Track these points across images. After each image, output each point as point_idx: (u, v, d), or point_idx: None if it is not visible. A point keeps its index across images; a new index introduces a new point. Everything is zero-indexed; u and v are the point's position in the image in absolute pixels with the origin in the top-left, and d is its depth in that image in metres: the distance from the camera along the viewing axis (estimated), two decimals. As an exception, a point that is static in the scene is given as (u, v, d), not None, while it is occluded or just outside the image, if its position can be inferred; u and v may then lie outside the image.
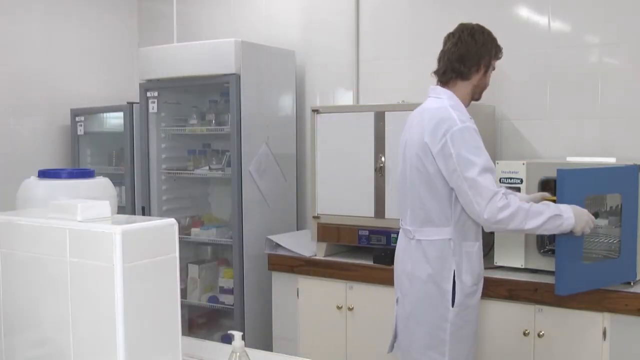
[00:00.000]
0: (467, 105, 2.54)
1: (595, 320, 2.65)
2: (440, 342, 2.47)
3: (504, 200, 2.32)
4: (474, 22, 2.61)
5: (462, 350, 2.49)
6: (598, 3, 3.25)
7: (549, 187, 2.75)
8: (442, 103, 2.47)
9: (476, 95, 2.60)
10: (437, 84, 2.59)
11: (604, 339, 2.64)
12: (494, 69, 2.61)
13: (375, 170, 3.20)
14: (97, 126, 4.43)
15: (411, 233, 2.53)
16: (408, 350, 2.58)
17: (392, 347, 2.69)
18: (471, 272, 2.47)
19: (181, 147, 4.15)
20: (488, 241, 3.16)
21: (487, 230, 2.46)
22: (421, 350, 2.51)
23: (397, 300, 2.64)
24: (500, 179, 2.92)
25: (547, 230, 2.39)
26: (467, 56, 2.50)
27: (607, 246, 2.78)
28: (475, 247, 2.50)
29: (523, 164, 2.86)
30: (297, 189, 4.11)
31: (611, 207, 2.79)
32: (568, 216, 2.35)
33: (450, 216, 2.44)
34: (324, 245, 3.40)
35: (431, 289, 2.47)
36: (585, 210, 2.42)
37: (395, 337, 2.66)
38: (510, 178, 2.89)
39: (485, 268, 3.03)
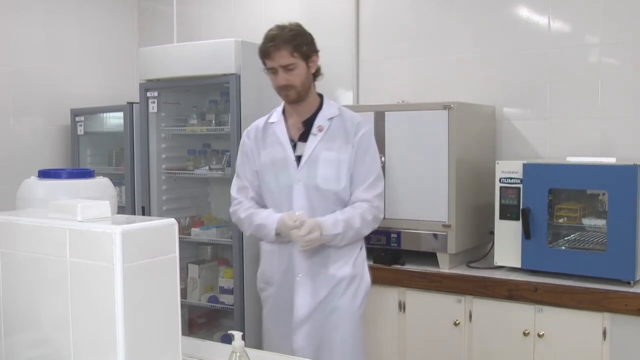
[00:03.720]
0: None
1: (595, 320, 2.65)
2: None
3: (236, 205, 2.64)
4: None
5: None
6: (598, 3, 3.25)
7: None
8: None
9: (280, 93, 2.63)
10: None
11: (604, 339, 2.64)
12: (271, 72, 2.56)
13: (375, 170, 3.20)
14: (97, 126, 4.43)
15: None
16: None
17: None
18: (260, 271, 2.71)
19: (181, 147, 4.14)
20: (488, 241, 3.16)
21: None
22: None
23: None
24: (500, 178, 2.92)
25: (258, 235, 2.61)
26: None
27: (597, 240, 2.88)
28: (265, 247, 2.66)
29: (523, 164, 2.87)
30: (297, 189, 4.10)
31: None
32: (271, 228, 2.51)
33: None
34: (323, 245, 3.38)
35: None
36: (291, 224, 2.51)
37: None
38: (510, 178, 2.89)
39: (485, 268, 3.03)
